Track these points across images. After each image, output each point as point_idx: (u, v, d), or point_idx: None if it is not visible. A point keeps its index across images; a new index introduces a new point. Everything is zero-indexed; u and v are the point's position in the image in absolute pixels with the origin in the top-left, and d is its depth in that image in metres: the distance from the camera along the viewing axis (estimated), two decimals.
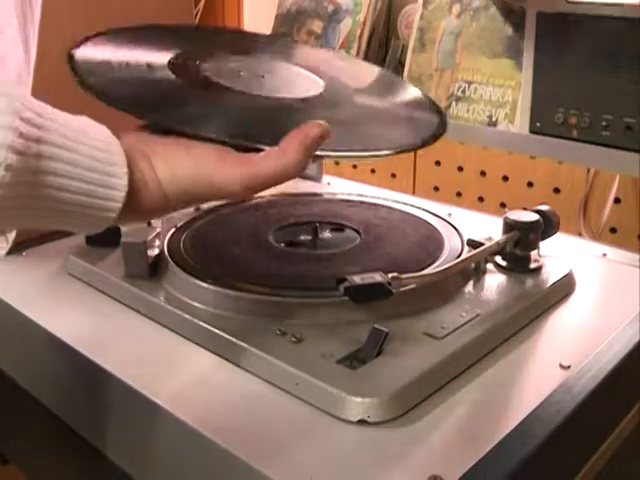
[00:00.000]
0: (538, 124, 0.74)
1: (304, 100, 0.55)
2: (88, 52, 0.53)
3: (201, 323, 0.55)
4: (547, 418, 0.47)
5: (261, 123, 0.50)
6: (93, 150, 0.39)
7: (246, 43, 0.69)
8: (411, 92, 0.67)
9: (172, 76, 0.53)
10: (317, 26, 1.13)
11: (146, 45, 0.57)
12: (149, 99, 0.50)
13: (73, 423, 0.58)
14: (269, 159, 0.43)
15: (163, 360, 0.54)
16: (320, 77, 0.60)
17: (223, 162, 0.42)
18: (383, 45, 0.94)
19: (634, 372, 0.57)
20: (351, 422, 0.46)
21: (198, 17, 1.33)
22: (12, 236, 0.71)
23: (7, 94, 0.37)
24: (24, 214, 0.38)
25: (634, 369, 0.57)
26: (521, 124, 0.75)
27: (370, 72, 0.72)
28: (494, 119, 0.78)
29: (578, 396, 0.49)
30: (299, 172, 0.43)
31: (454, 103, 0.84)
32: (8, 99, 0.36)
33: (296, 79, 0.60)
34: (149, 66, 0.53)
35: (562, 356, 0.54)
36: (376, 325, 0.51)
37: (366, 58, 1.08)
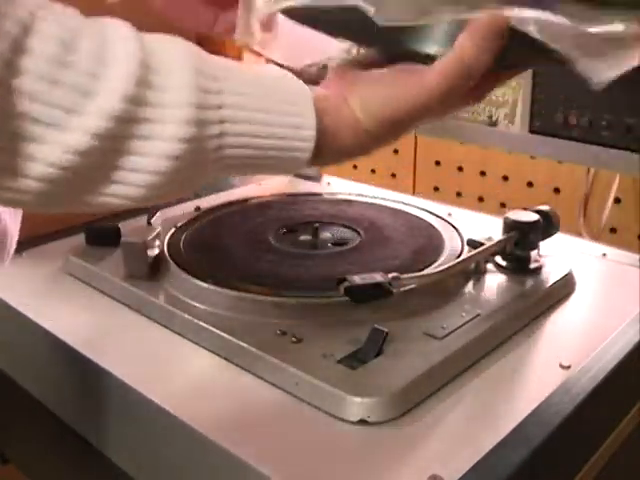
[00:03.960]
0: (538, 124, 0.74)
1: None
2: None
3: (201, 323, 0.55)
4: (547, 418, 0.47)
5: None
6: (278, 103, 0.40)
7: None
8: None
9: None
10: None
11: None
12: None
13: (73, 423, 0.58)
14: (447, 58, 0.41)
15: (163, 360, 0.54)
16: None
17: (409, 77, 0.43)
18: None
19: (634, 372, 0.57)
20: (351, 422, 0.46)
21: None
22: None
23: (187, 61, 0.37)
24: (218, 169, 0.40)
25: (634, 369, 0.57)
26: (521, 124, 0.75)
27: None
28: (494, 119, 0.78)
29: (578, 397, 0.49)
30: (482, 61, 0.41)
31: None
32: (188, 73, 0.37)
33: None
34: None
35: (562, 356, 0.53)
36: (376, 325, 0.51)
37: None
